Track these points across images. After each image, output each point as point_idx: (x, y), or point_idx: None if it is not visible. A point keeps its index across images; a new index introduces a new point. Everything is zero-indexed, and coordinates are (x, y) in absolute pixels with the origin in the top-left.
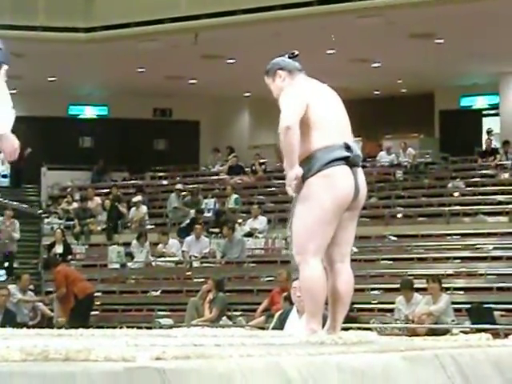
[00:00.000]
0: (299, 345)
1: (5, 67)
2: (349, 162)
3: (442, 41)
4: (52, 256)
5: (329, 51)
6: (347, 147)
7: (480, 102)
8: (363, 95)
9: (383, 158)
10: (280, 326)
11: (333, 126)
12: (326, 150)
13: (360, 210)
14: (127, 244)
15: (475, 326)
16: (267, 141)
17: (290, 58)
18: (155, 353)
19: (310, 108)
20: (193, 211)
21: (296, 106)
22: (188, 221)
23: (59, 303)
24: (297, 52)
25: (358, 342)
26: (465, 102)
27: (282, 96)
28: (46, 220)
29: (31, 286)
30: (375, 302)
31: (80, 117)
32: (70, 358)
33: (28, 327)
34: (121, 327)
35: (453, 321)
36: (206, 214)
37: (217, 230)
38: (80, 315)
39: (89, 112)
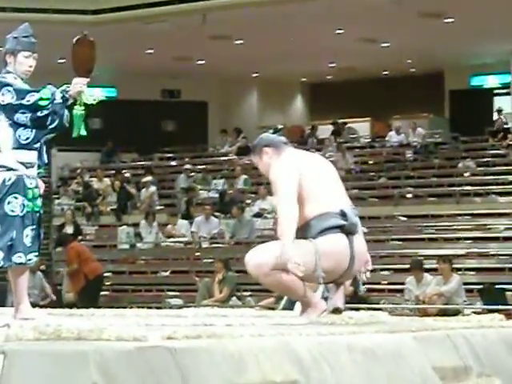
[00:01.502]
0: (310, 325)
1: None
2: (344, 230)
3: (451, 20)
4: (64, 233)
5: (337, 31)
6: (343, 214)
7: (491, 81)
8: (372, 75)
9: (393, 138)
10: (290, 306)
11: (325, 195)
12: (320, 217)
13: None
14: (136, 225)
15: (487, 306)
16: (276, 121)
17: (273, 133)
18: (166, 332)
19: (302, 180)
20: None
21: (290, 180)
22: (184, 205)
23: (69, 279)
24: (280, 126)
25: (369, 322)
26: (475, 81)
27: (272, 173)
28: (56, 201)
29: (42, 267)
30: (385, 282)
31: None
32: (82, 337)
33: (40, 307)
34: (131, 307)
35: (464, 301)
36: (214, 195)
37: (222, 210)
38: (90, 296)
39: (97, 93)
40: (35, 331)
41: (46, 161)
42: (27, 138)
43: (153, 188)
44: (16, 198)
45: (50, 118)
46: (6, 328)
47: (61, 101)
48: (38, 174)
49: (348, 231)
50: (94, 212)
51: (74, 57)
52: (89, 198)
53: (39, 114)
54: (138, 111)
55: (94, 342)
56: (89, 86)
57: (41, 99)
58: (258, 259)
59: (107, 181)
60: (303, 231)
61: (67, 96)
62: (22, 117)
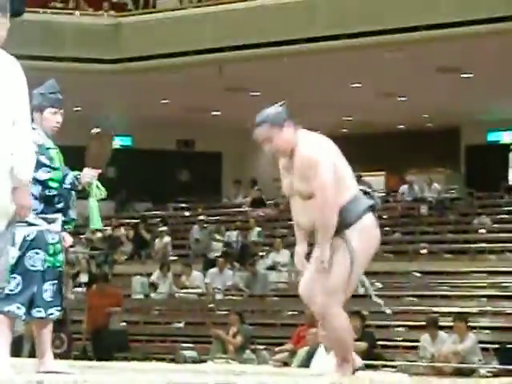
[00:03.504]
0: None
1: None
2: (373, 208)
3: (469, 75)
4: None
5: (354, 85)
6: (366, 193)
7: (507, 137)
8: (388, 129)
9: (404, 192)
10: (306, 363)
11: (349, 176)
12: (354, 201)
13: None
14: (150, 274)
15: (503, 366)
16: None
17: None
18: None
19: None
20: (220, 244)
21: (330, 168)
22: (218, 254)
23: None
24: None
25: None
26: (492, 136)
27: (309, 155)
28: (70, 249)
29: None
30: (399, 339)
31: None
32: None
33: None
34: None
35: (480, 360)
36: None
37: (241, 263)
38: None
39: (113, 142)
40: None
41: (75, 217)
42: (35, 210)
43: (167, 238)
44: (37, 253)
45: (56, 199)
46: None
47: (69, 186)
48: (66, 229)
49: (376, 209)
50: (108, 261)
51: (90, 149)
52: (104, 246)
53: (47, 192)
54: (153, 161)
55: None
56: None
57: (51, 180)
58: (327, 298)
59: (121, 229)
60: (341, 217)
61: (77, 183)
62: (33, 188)
